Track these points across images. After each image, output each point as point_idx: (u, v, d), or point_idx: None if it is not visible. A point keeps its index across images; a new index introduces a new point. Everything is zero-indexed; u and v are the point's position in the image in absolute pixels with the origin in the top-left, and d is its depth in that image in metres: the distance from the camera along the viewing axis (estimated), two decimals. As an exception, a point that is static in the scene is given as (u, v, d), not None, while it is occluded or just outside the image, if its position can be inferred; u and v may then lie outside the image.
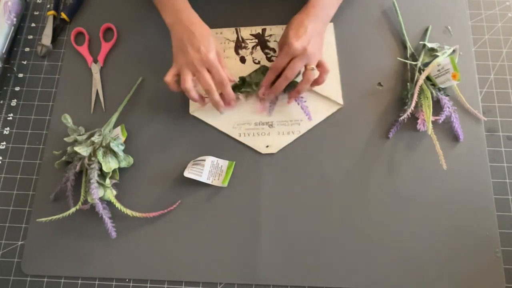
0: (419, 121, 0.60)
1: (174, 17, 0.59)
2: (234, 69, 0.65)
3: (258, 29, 0.68)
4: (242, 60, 0.66)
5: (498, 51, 0.66)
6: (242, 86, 0.63)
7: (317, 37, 0.57)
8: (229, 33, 0.68)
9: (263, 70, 0.65)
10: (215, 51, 0.56)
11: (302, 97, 0.62)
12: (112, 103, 0.65)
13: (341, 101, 0.63)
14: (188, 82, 0.56)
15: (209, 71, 0.56)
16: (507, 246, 0.56)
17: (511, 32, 0.68)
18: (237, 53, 0.67)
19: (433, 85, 0.61)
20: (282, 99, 0.63)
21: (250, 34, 0.68)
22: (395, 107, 0.63)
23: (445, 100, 0.60)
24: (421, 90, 0.60)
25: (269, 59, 0.66)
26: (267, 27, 0.68)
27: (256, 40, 0.67)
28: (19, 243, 0.59)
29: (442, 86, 0.61)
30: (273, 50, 0.67)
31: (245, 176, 0.60)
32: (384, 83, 0.64)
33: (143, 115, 0.64)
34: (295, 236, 0.57)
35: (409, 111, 0.59)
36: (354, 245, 0.56)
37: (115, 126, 0.62)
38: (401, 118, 0.60)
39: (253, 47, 0.67)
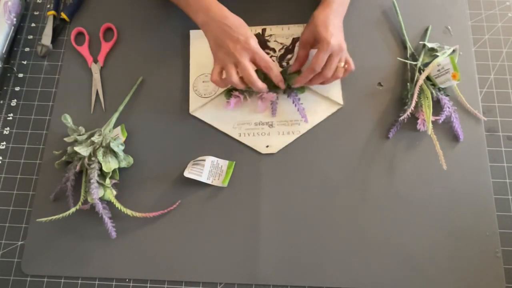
0: (419, 121, 0.60)
1: (205, 15, 0.57)
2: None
3: (258, 29, 0.68)
4: (242, 60, 0.66)
5: (498, 51, 0.67)
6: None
7: (341, 33, 0.58)
8: (229, 33, 0.68)
9: (263, 70, 0.65)
10: (255, 38, 0.56)
11: (299, 99, 0.62)
12: (112, 103, 0.65)
13: (341, 101, 0.63)
14: (234, 76, 0.56)
15: (252, 58, 0.56)
16: (507, 246, 0.56)
17: (511, 32, 0.68)
18: (237, 53, 0.67)
19: (433, 85, 0.61)
20: (283, 99, 0.63)
21: (250, 34, 0.68)
22: (395, 107, 0.63)
23: (445, 100, 0.60)
24: (421, 90, 0.60)
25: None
26: (267, 27, 0.68)
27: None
28: (19, 243, 0.59)
29: (442, 86, 0.61)
30: (273, 50, 0.66)
31: (245, 176, 0.60)
32: (384, 83, 0.64)
33: (143, 115, 0.64)
34: (295, 236, 0.57)
35: (409, 111, 0.59)
36: (354, 245, 0.56)
37: (115, 126, 0.62)
38: (401, 118, 0.60)
39: (253, 47, 0.67)
